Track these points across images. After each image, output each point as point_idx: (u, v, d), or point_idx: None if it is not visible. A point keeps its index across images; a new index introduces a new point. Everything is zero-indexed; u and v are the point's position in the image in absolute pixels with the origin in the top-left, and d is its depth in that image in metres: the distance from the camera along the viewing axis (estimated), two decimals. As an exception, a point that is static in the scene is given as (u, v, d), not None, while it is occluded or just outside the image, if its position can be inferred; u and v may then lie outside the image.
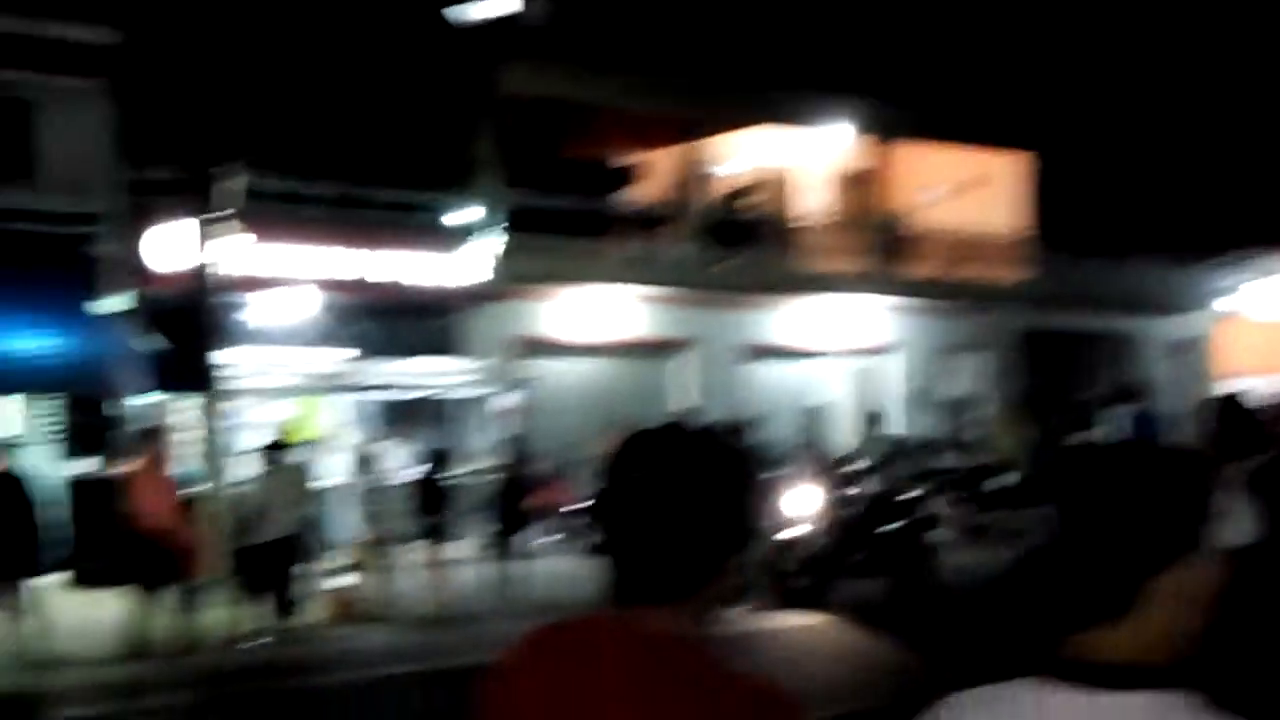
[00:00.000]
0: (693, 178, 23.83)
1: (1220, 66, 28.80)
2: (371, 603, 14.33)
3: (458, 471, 16.98)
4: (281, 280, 18.14)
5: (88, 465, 16.69)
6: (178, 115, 16.12)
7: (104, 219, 17.06)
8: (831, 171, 26.46)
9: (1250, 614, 2.85)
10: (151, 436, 13.73)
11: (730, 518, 1.94)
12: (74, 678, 11.47)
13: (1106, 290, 28.22)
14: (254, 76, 17.11)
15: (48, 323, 15.78)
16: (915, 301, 25.72)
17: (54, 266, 16.11)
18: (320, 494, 14.61)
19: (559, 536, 18.04)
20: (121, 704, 10.74)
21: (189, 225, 16.02)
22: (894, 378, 25.69)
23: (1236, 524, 3.52)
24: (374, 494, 14.50)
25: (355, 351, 19.02)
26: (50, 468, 14.69)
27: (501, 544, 15.41)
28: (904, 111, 25.02)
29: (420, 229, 19.69)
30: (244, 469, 14.23)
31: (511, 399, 20.26)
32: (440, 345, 19.99)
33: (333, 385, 18.72)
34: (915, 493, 15.74)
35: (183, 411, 16.83)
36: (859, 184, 26.45)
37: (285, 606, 13.18)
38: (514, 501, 15.62)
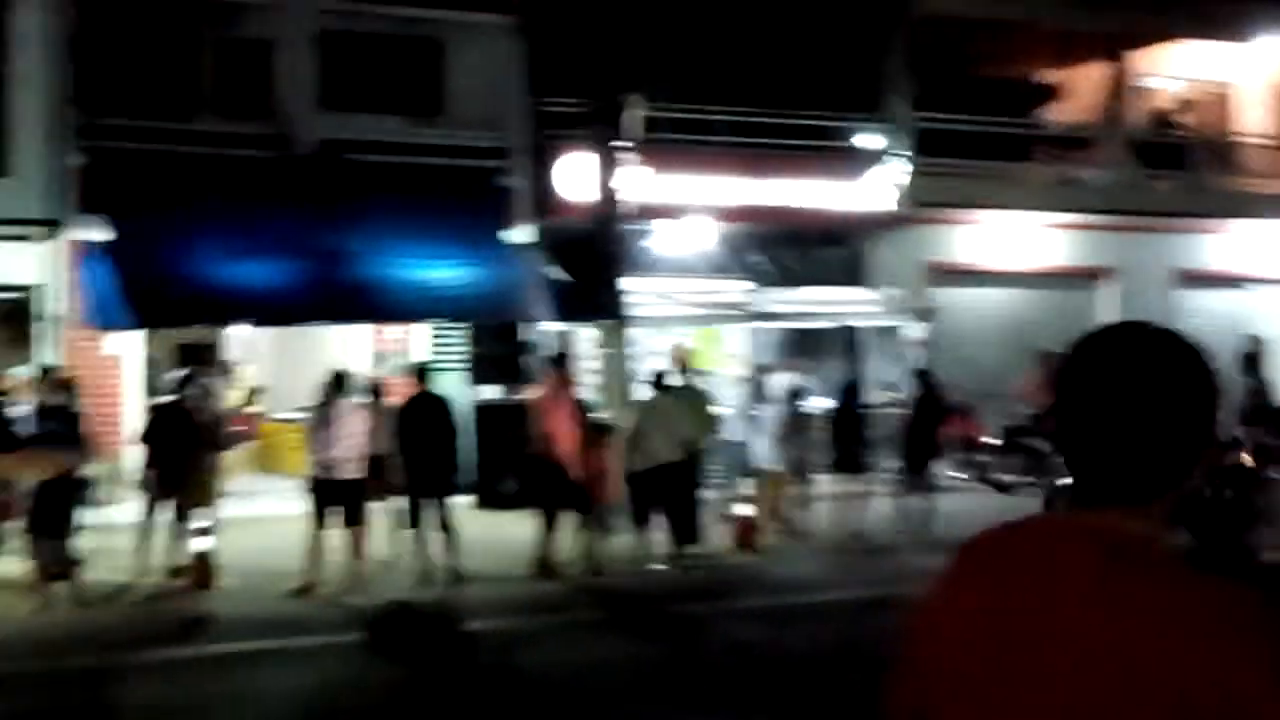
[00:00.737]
0: (1121, 95, 22.20)
1: None
2: (779, 532, 14.18)
3: (870, 403, 16.49)
4: (683, 209, 18.06)
5: (493, 391, 17.20)
6: (582, 48, 16.27)
7: (512, 152, 17.47)
8: (1274, 86, 24.07)
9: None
10: (558, 364, 13.97)
11: (1203, 417, 1.85)
12: (486, 592, 11.78)
13: None
14: (657, 4, 17.04)
15: (460, 253, 16.29)
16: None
17: (465, 199, 16.63)
18: (720, 421, 14.39)
19: (969, 472, 17.50)
20: (532, 620, 10.94)
21: (594, 156, 16.18)
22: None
23: None
24: (788, 423, 14.25)
25: (756, 281, 18.74)
26: (457, 392, 15.13)
27: (910, 478, 14.91)
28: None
29: (826, 154, 19.13)
30: (644, 396, 14.19)
31: (921, 329, 19.45)
32: (847, 274, 19.54)
33: (734, 314, 18.52)
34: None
35: (587, 340, 17.09)
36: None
37: (686, 532, 13.05)
38: (924, 435, 15.02)
